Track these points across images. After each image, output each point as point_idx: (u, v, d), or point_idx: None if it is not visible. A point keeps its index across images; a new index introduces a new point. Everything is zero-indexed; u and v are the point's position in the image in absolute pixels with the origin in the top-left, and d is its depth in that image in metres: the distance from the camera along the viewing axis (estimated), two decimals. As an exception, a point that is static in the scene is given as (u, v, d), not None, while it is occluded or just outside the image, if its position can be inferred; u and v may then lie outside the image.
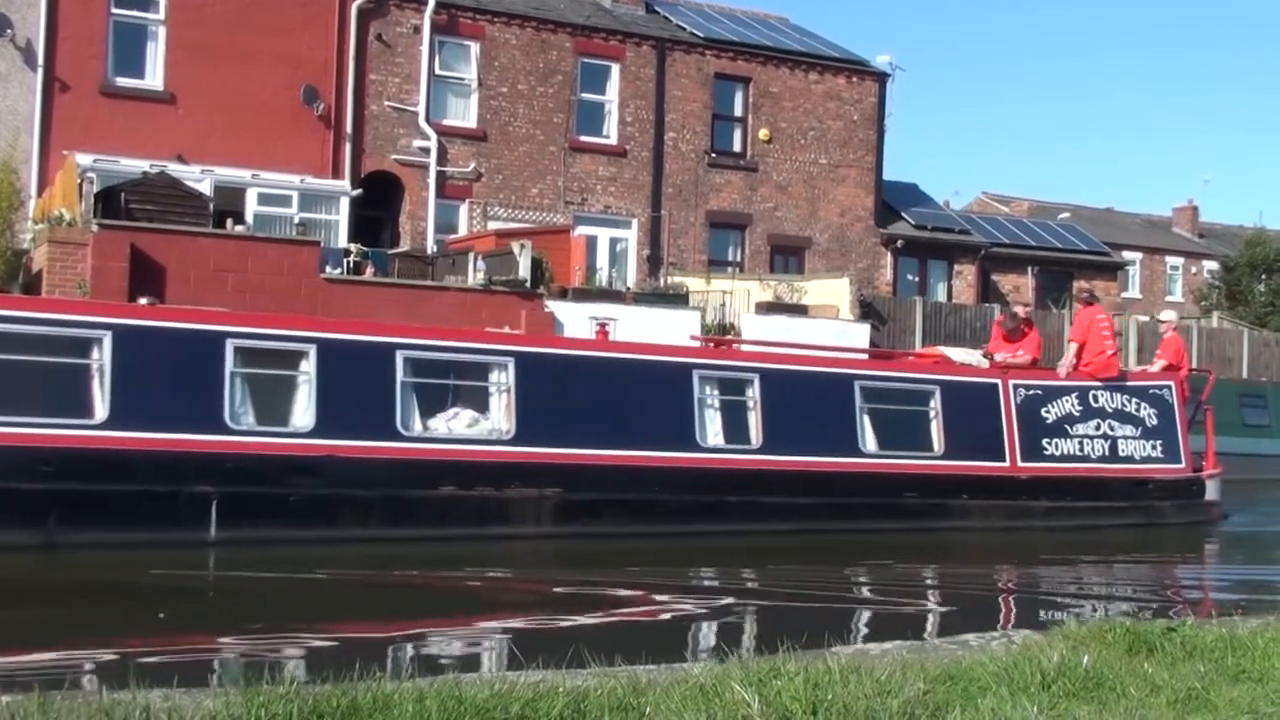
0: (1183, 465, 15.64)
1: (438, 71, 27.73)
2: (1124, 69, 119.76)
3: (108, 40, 24.88)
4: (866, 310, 27.44)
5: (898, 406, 14.62)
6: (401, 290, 20.56)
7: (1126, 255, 47.28)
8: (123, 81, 24.93)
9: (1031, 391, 14.82)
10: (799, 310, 25.24)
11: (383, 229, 27.26)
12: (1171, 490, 15.61)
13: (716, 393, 13.44)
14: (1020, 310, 16.42)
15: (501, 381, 12.59)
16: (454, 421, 12.47)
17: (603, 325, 15.51)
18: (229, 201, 22.95)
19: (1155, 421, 15.44)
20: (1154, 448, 15.42)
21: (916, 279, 33.73)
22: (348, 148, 26.44)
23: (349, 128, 26.49)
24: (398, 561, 10.90)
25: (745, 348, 16.45)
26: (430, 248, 25.45)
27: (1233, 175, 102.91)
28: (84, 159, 22.05)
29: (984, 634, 6.34)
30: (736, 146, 31.39)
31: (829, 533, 13.04)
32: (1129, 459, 15.26)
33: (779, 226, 31.41)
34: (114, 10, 24.92)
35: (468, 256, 22.03)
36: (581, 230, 27.21)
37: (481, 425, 12.53)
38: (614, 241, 29.35)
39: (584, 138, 29.17)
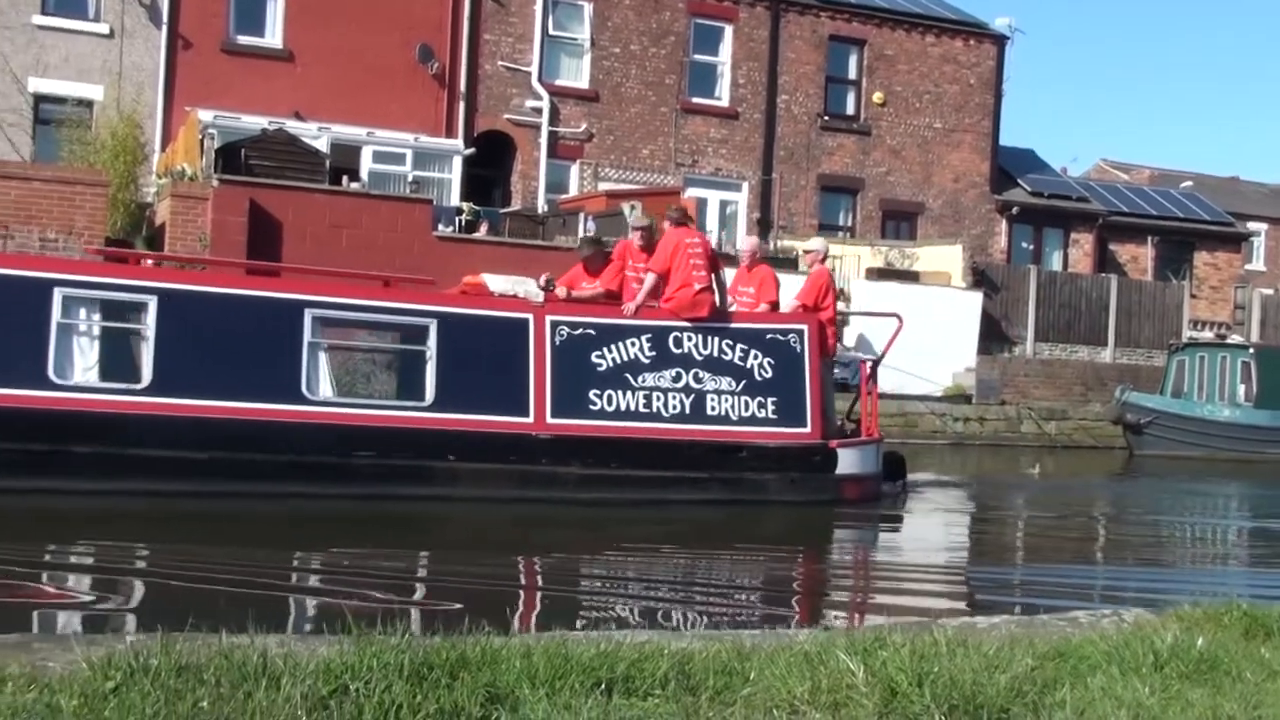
0: (806, 430, 12.24)
1: (551, 31, 27.79)
2: (1251, 31, 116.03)
3: (230, -2, 25.37)
4: (979, 278, 27.05)
5: (373, 343, 12.34)
6: (511, 249, 20.75)
7: (1251, 226, 45.85)
8: (243, 39, 25.39)
9: (579, 331, 11.65)
10: (910, 277, 25.00)
11: (494, 188, 27.49)
12: (778, 460, 12.16)
13: (95, 318, 10.73)
14: (638, 234, 12.82)
15: None
16: None
17: None
18: (345, 159, 23.30)
19: (770, 374, 12.08)
20: (762, 407, 12.05)
21: (1031, 247, 33.13)
22: (461, 107, 26.68)
23: (463, 87, 26.72)
24: None
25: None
26: (541, 207, 25.62)
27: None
28: (205, 115, 22.52)
29: (1094, 611, 6.24)
30: (850, 109, 31.05)
31: (237, 497, 10.48)
32: (720, 419, 11.93)
33: (891, 191, 31.05)
34: (236, -31, 25.39)
35: (578, 217, 22.15)
36: (691, 192, 27.18)
37: None
38: (724, 204, 29.28)
39: (696, 99, 29.07)
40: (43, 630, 4.85)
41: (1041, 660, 4.76)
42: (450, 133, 26.35)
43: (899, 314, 14.00)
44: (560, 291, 12.01)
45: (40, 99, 24.13)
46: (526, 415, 11.41)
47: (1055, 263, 32.89)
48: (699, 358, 11.87)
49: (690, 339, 11.87)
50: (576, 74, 28.17)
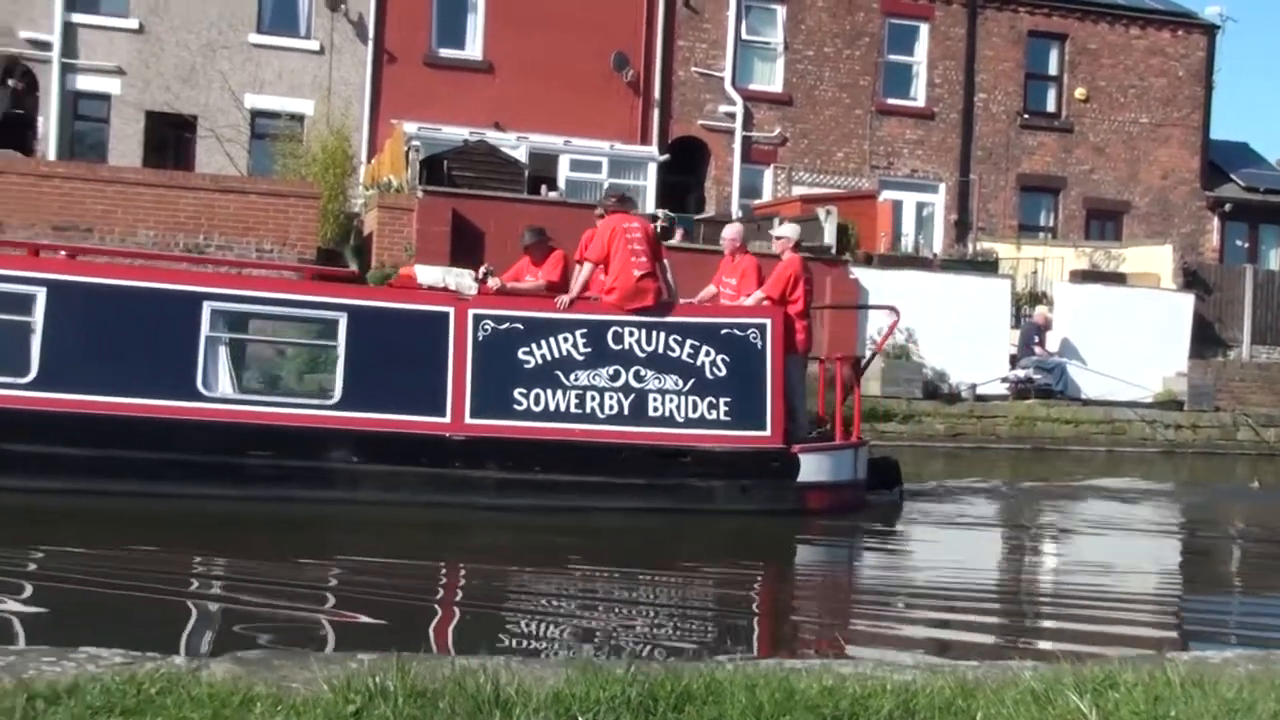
0: (765, 433, 11.20)
1: (744, 36, 27.80)
2: None
3: (432, 12, 26.11)
4: (1190, 279, 25.97)
5: (280, 338, 11.75)
6: (706, 255, 20.75)
7: None
8: (445, 52, 26.09)
9: (505, 326, 10.85)
10: (1117, 279, 24.17)
11: (689, 194, 27.61)
12: (727, 466, 11.11)
13: None
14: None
15: None
16: None
17: None
18: (542, 167, 23.72)
19: (723, 373, 11.08)
20: (713, 408, 11.05)
21: (1246, 245, 31.72)
22: (655, 114, 26.90)
23: (657, 94, 26.94)
24: None
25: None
26: (735, 213, 25.63)
27: None
28: (410, 127, 23.20)
29: (1335, 648, 5.93)
30: (1051, 106, 30.25)
31: (128, 496, 9.90)
32: (663, 421, 10.96)
33: (1095, 190, 30.11)
34: (437, -17, 26.14)
35: (773, 222, 22.06)
36: (887, 195, 26.85)
37: None
38: (920, 206, 28.83)
39: (891, 100, 28.70)
40: (281, 646, 5.04)
41: (1285, 704, 4.54)
42: (645, 140, 26.59)
43: (895, 306, 13.05)
44: (493, 283, 11.40)
45: (256, 114, 25.23)
46: (443, 415, 10.70)
47: (1272, 261, 31.42)
48: (641, 354, 10.97)
49: (632, 334, 10.99)
50: (770, 78, 28.10)
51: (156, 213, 18.89)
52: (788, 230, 12.68)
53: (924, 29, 29.00)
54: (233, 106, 24.92)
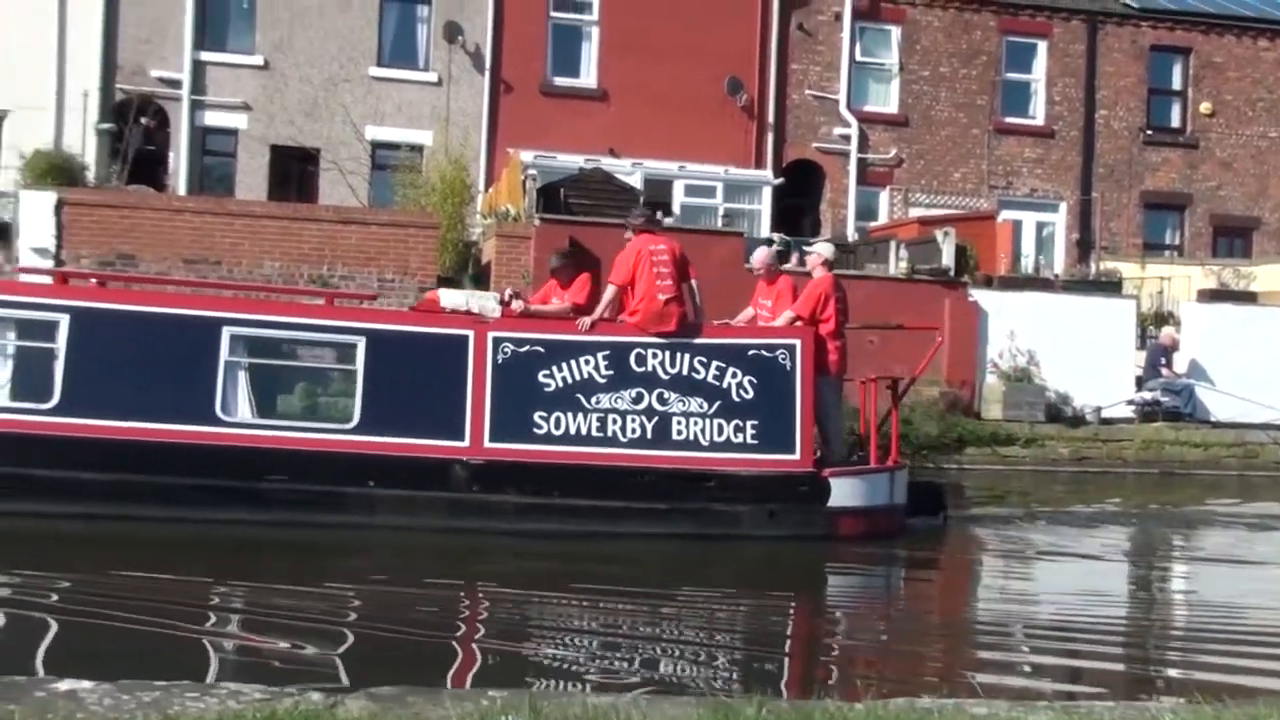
0: (793, 457, 10.95)
1: (858, 58, 27.67)
2: None
3: (547, 42, 26.42)
4: (1325, 297, 25.18)
5: (297, 362, 11.85)
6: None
7: None
8: (560, 81, 26.36)
9: (525, 349, 10.74)
10: (1247, 298, 23.48)
11: (804, 217, 27.49)
12: (753, 490, 10.86)
13: (10, 336, 10.82)
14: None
15: None
16: None
17: None
18: (657, 193, 23.77)
19: (751, 395, 10.87)
20: (739, 431, 10.84)
21: (1383, 262, 30.68)
22: (770, 137, 26.85)
23: (771, 117, 26.90)
24: None
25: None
26: (851, 236, 25.45)
27: None
28: (526, 156, 23.44)
29: None
30: (1175, 122, 29.57)
31: (147, 521, 10.00)
32: (687, 444, 10.79)
33: (1223, 206, 29.34)
34: (553, 13, 26.44)
35: (889, 244, 21.86)
36: (1006, 215, 26.44)
37: None
38: (1040, 226, 28.36)
39: (1009, 119, 28.32)
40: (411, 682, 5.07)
41: None
42: (759, 163, 26.55)
43: (938, 328, 12.63)
44: (517, 305, 11.32)
45: (376, 146, 25.72)
46: (461, 439, 10.65)
47: None
48: (665, 377, 10.84)
49: (655, 356, 10.85)
50: (885, 99, 27.91)
51: (282, 244, 19.30)
52: (820, 248, 12.50)
53: (1042, 46, 28.58)
54: (354, 139, 25.42)
